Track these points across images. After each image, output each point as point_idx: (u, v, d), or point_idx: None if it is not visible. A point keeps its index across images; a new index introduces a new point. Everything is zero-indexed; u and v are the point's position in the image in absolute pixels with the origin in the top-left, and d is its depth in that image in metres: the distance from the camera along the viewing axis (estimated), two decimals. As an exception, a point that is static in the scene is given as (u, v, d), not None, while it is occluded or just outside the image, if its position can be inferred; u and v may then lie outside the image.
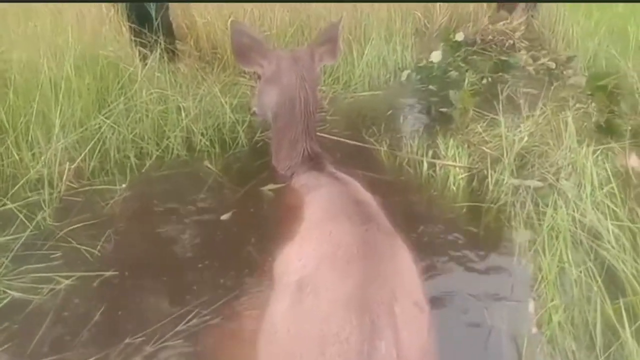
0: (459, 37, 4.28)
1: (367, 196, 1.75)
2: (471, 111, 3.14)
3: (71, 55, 2.73)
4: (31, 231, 2.04)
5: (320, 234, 1.48)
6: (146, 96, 2.78)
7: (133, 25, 3.35)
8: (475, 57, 4.20)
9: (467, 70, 3.82)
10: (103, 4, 3.61)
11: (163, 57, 3.13)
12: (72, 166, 2.43)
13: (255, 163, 2.62)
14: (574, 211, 2.02)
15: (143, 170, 2.59)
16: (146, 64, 2.99)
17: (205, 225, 2.18)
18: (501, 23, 4.84)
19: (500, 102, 3.03)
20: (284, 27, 3.97)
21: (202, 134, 2.83)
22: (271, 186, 2.19)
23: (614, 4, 4.10)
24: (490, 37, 4.67)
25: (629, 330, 1.42)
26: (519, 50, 4.40)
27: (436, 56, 3.91)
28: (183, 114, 2.84)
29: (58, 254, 1.96)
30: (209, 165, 2.64)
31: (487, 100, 3.52)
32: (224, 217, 2.22)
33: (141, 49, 3.18)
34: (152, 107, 2.80)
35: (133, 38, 3.29)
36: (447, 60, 4.03)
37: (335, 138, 2.89)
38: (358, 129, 3.04)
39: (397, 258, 1.39)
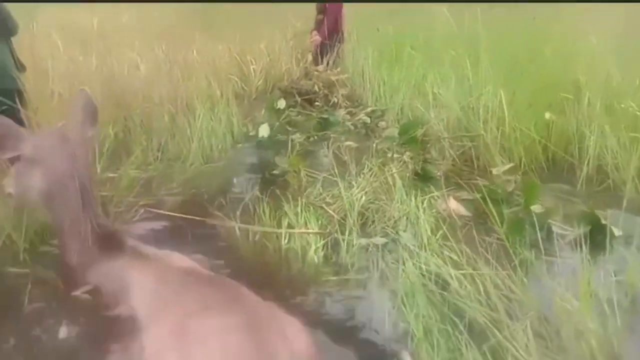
0: (281, 104, 4.50)
1: (185, 265, 1.72)
2: (302, 172, 3.29)
3: None
4: None
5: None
6: None
7: None
8: (299, 117, 4.46)
9: (295, 133, 4.01)
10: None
11: None
12: None
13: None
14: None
15: None
16: None
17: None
18: (321, 68, 5.21)
19: (331, 162, 3.27)
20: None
21: None
22: (83, 289, 1.80)
23: (412, 63, 4.68)
24: (316, 88, 4.94)
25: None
26: (339, 107, 4.76)
27: (264, 129, 4.00)
28: None
29: None
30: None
31: (315, 158, 3.75)
32: None
33: None
34: None
35: None
36: (273, 126, 4.18)
37: (183, 216, 2.73)
38: (203, 205, 2.94)
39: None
